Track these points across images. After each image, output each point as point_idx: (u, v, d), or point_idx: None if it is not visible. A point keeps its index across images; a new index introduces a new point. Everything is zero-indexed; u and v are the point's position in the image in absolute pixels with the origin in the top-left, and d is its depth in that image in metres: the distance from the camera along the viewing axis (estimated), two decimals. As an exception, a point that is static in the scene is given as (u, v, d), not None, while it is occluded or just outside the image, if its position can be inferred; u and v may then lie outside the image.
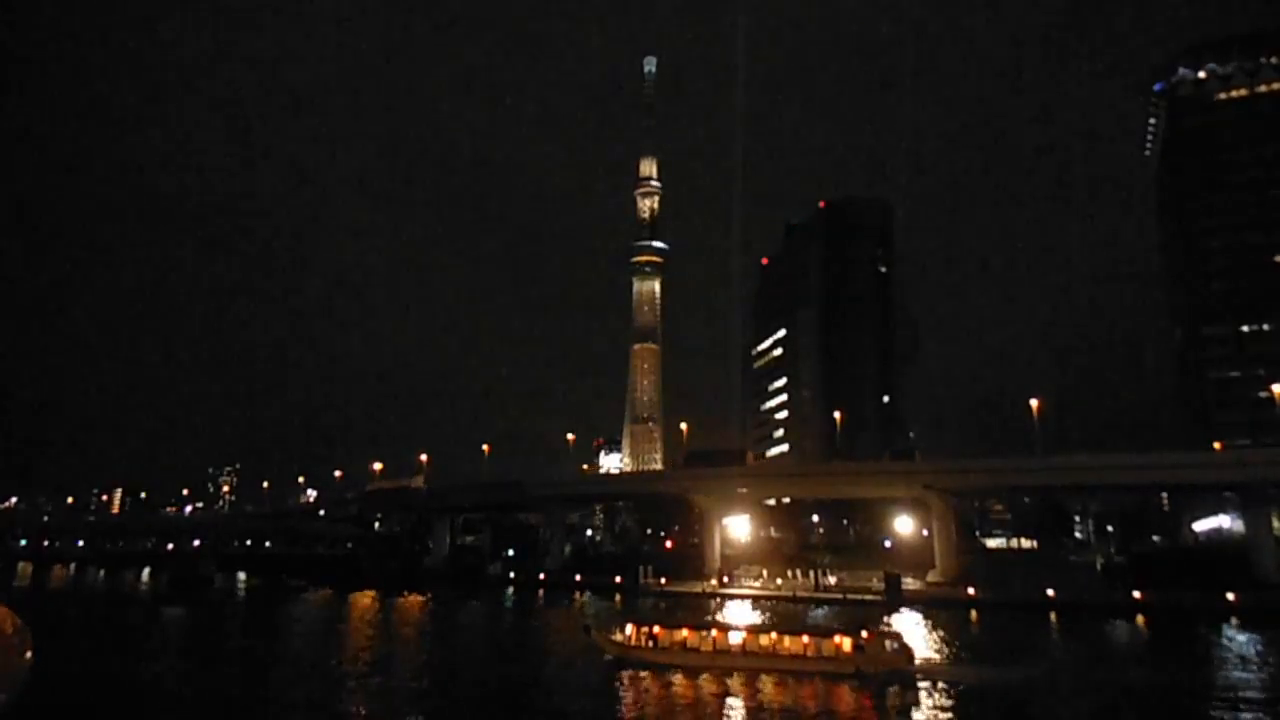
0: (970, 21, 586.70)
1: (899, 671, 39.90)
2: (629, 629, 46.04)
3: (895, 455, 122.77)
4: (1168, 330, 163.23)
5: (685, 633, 44.49)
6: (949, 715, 34.58)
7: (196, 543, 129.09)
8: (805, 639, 42.39)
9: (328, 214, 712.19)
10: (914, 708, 35.76)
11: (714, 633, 44.11)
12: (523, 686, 42.48)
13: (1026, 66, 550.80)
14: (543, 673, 47.12)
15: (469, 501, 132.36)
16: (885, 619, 64.47)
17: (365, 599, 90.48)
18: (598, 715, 35.89)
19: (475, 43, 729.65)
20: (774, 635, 43.17)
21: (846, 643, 41.39)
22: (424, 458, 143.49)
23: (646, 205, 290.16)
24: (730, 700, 37.15)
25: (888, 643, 41.77)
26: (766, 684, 39.34)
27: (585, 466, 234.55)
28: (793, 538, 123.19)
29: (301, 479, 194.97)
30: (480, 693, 41.72)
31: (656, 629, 45.17)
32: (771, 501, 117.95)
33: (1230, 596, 67.10)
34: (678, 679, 40.56)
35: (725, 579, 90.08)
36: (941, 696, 37.10)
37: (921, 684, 38.85)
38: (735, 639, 43.29)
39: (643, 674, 41.73)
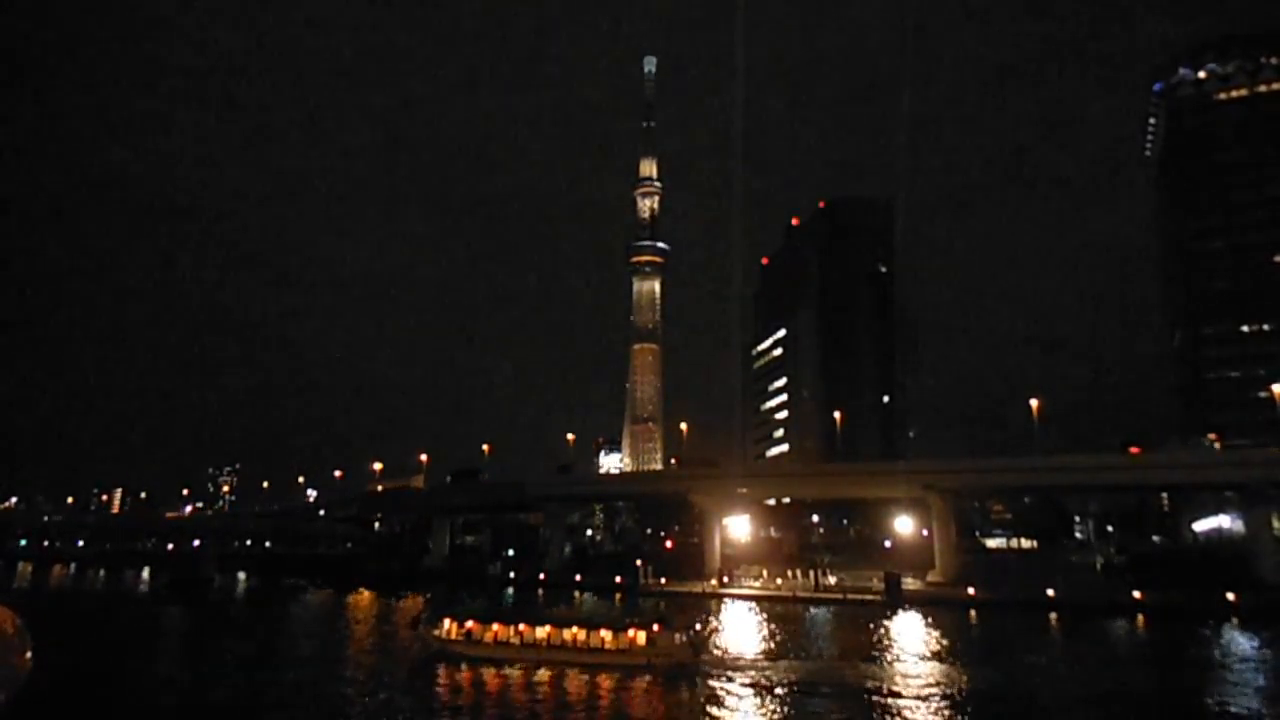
0: (970, 21, 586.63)
1: (686, 665, 41.31)
2: (447, 624, 47.52)
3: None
4: (1167, 330, 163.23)
5: (496, 627, 46.05)
6: (717, 705, 36.21)
7: (196, 543, 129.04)
8: (603, 633, 43.79)
9: (327, 214, 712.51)
10: (677, 695, 37.83)
11: (521, 627, 45.66)
12: (341, 680, 43.20)
13: (1027, 66, 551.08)
14: (371, 666, 47.97)
15: (469, 502, 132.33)
16: (885, 618, 64.58)
17: (365, 599, 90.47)
18: (392, 706, 37.10)
19: (475, 42, 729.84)
20: (575, 629, 44.53)
21: (641, 636, 42.71)
22: (424, 458, 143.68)
23: (646, 205, 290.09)
24: (526, 689, 39.06)
25: (678, 637, 43.07)
26: (567, 675, 40.89)
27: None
28: (793, 538, 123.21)
29: (301, 479, 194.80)
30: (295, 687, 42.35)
31: (471, 624, 46.77)
32: (771, 501, 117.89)
33: (1230, 596, 67.07)
34: (488, 671, 42.20)
35: (725, 579, 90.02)
36: (722, 689, 38.36)
37: (708, 677, 40.14)
38: (541, 633, 44.82)
39: (457, 667, 43.32)
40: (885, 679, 40.47)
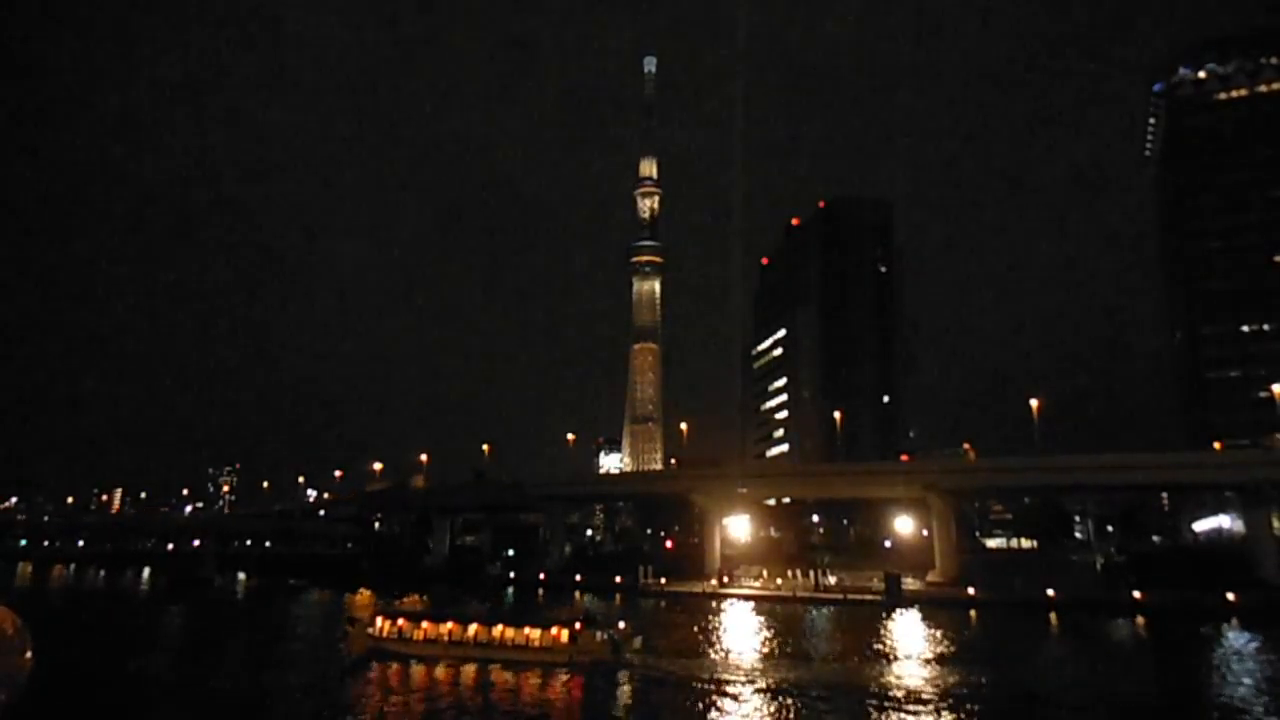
0: (970, 21, 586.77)
1: (606, 662, 42.30)
2: (379, 622, 48.70)
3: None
4: (1168, 330, 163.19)
5: (426, 625, 47.25)
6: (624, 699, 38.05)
7: (196, 543, 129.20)
8: (527, 630, 44.92)
9: (327, 214, 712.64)
10: (591, 690, 39.10)
11: (450, 625, 46.80)
12: (283, 678, 44.12)
13: (1027, 66, 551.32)
14: (304, 664, 48.80)
15: (469, 501, 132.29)
16: (885, 617, 64.60)
17: (365, 599, 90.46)
18: (318, 704, 37.93)
19: (475, 43, 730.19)
20: (502, 627, 45.65)
21: (564, 634, 43.86)
22: (424, 458, 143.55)
23: (646, 205, 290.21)
24: (449, 686, 40.28)
25: (599, 635, 44.23)
26: (492, 671, 42.02)
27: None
28: (793, 538, 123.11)
29: (301, 479, 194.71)
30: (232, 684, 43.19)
31: (402, 622, 48.03)
32: (771, 501, 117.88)
33: (1230, 596, 67.08)
34: (417, 668, 43.29)
35: (725, 579, 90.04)
36: (639, 686, 39.63)
37: (623, 674, 41.27)
38: (470, 630, 46.00)
39: (389, 664, 44.37)
40: (815, 678, 40.97)
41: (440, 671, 42.65)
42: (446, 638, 46.23)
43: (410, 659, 44.99)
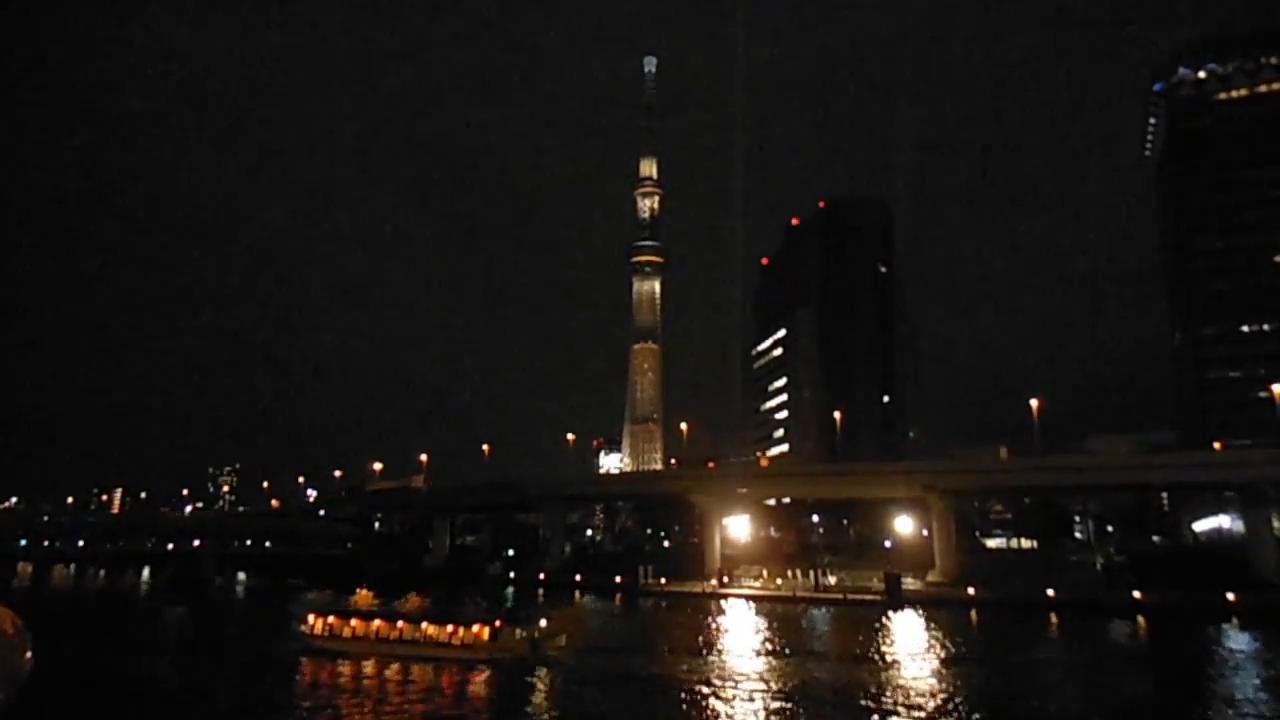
0: (971, 21, 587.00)
1: (525, 659, 43.34)
2: (311, 619, 50.12)
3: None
4: (1167, 330, 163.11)
5: (355, 623, 48.65)
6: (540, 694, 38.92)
7: (196, 543, 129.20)
8: (450, 628, 46.09)
9: (327, 214, 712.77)
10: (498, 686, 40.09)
11: (377, 622, 48.20)
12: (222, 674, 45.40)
13: (1027, 66, 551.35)
14: (244, 660, 49.96)
15: (469, 501, 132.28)
16: (887, 617, 64.61)
17: (365, 599, 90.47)
18: (246, 700, 38.89)
19: (474, 42, 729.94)
20: (426, 624, 46.93)
21: (485, 632, 45.00)
22: (424, 458, 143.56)
23: (646, 205, 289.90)
24: (375, 681, 41.23)
25: (518, 632, 45.31)
26: (414, 668, 42.97)
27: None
28: (793, 538, 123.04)
29: (301, 479, 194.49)
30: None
31: (332, 619, 49.53)
32: (771, 501, 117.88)
33: (1230, 596, 67.07)
34: (345, 665, 44.27)
35: (725, 579, 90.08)
36: (547, 681, 40.73)
37: (541, 670, 42.24)
38: (397, 629, 47.32)
39: (319, 662, 45.51)
40: (746, 673, 41.31)
41: (367, 668, 43.48)
42: (374, 635, 47.39)
43: (339, 655, 45.97)
